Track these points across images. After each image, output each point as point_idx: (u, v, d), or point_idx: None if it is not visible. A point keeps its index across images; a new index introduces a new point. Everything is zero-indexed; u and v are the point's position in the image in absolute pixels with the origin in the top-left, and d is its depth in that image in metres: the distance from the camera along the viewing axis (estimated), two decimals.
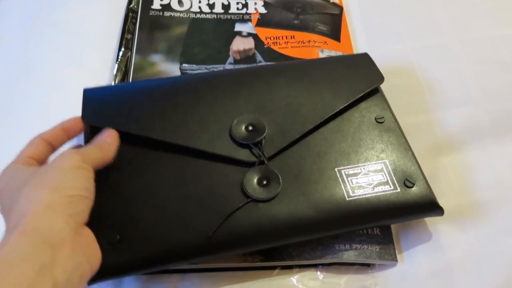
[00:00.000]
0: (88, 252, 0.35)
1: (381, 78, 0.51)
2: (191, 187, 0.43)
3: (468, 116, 0.55)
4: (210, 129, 0.45)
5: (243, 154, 0.44)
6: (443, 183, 0.50)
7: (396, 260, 0.45)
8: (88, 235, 0.36)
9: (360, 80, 0.51)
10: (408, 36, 0.63)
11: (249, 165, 0.44)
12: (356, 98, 0.49)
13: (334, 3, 0.67)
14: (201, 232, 0.40)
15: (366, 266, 0.46)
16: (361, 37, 0.64)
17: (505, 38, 0.61)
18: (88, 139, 0.45)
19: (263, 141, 0.45)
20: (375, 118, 0.49)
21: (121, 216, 0.41)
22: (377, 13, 0.66)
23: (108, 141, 0.42)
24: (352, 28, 0.65)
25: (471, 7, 0.65)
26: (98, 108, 0.46)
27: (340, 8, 0.66)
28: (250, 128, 0.46)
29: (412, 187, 0.44)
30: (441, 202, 0.45)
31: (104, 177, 0.43)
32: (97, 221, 0.40)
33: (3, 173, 0.39)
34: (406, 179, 0.44)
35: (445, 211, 0.44)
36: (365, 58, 0.53)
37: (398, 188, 0.44)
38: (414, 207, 0.44)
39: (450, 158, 0.52)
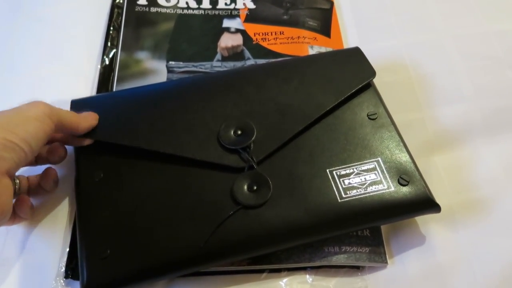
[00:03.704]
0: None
1: (372, 73, 0.50)
2: (181, 196, 0.42)
3: (461, 114, 0.54)
4: (197, 135, 0.45)
5: (232, 160, 0.43)
6: (435, 182, 0.49)
7: (386, 262, 0.44)
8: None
9: (351, 76, 0.50)
10: (399, 32, 0.62)
11: (238, 170, 0.43)
12: (347, 95, 0.48)
13: None
14: (192, 242, 0.40)
15: (355, 269, 0.45)
16: (352, 32, 0.62)
17: (498, 33, 0.60)
18: (77, 151, 0.46)
19: (252, 145, 0.44)
20: (367, 115, 0.48)
21: (111, 231, 0.41)
22: (368, 7, 0.65)
23: (85, 114, 0.44)
24: (342, 23, 0.63)
25: (464, 2, 0.64)
26: None
27: (331, 3, 0.65)
28: (239, 132, 0.45)
29: (407, 184, 0.43)
30: None
31: (92, 191, 0.43)
32: (87, 236, 0.40)
33: None
34: (400, 177, 0.43)
35: None
36: (356, 52, 0.52)
37: (392, 186, 0.43)
38: (409, 205, 0.43)
39: (442, 157, 0.51)
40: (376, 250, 0.45)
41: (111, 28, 0.60)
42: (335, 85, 0.49)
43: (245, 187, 0.42)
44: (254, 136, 0.44)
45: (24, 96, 0.54)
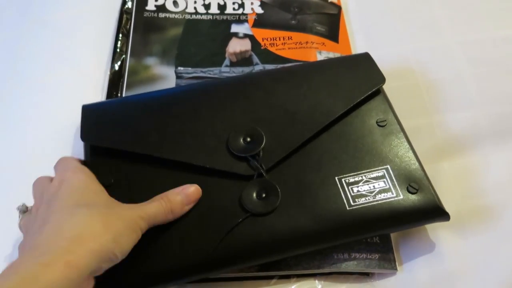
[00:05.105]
0: None
1: (382, 80, 0.50)
2: None
3: (469, 119, 0.54)
4: (207, 143, 0.45)
5: (241, 167, 0.43)
6: (444, 189, 0.49)
7: (396, 269, 0.45)
8: (91, 284, 0.35)
9: (360, 82, 0.49)
10: (407, 37, 0.62)
11: (247, 178, 0.43)
12: (356, 102, 0.48)
13: (332, 3, 0.66)
14: (201, 249, 0.40)
15: (365, 275, 0.45)
16: (359, 38, 0.62)
17: (506, 40, 0.60)
18: (88, 157, 0.46)
19: (261, 153, 0.44)
20: (377, 122, 0.48)
21: None
22: (376, 13, 0.65)
23: (185, 208, 0.41)
24: (350, 29, 0.63)
25: (471, 8, 0.64)
26: (97, 127, 0.47)
27: (339, 8, 0.65)
28: (248, 139, 0.45)
29: (416, 192, 0.43)
30: None
31: None
32: None
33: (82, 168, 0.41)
34: (410, 185, 0.43)
35: None
36: (365, 58, 0.52)
37: (401, 194, 0.43)
38: (418, 214, 0.43)
39: (451, 163, 0.51)
40: (385, 257, 0.45)
41: (120, 34, 0.61)
42: (344, 92, 0.49)
43: (254, 194, 0.42)
44: (263, 144, 0.44)
45: (33, 102, 0.56)
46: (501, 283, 0.44)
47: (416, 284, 0.44)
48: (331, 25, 0.63)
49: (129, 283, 0.39)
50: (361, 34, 0.63)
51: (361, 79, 0.50)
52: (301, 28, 0.63)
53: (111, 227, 0.35)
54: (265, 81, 0.50)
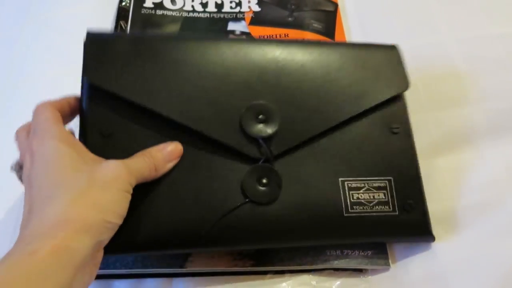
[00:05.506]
0: (92, 271, 0.35)
1: (406, 85, 0.47)
2: (189, 175, 0.40)
3: (464, 116, 0.54)
4: (220, 112, 0.41)
5: (250, 148, 0.41)
6: (438, 185, 0.49)
7: (389, 265, 0.45)
8: (99, 258, 0.35)
9: (385, 83, 0.46)
10: (403, 34, 0.61)
11: (253, 161, 0.41)
12: (376, 103, 0.45)
13: (329, 0, 0.66)
14: (193, 224, 0.39)
15: (358, 271, 0.45)
16: (356, 34, 0.62)
17: (502, 36, 0.60)
18: (85, 95, 0.41)
19: (273, 138, 0.42)
20: (391, 128, 0.46)
21: None
22: (372, 10, 0.65)
23: (167, 166, 0.40)
24: (347, 26, 0.63)
25: (467, 5, 0.64)
26: (103, 63, 0.41)
27: (335, 5, 0.65)
28: (261, 117, 0.42)
29: (410, 211, 0.43)
30: (436, 204, 0.45)
31: (97, 146, 0.39)
32: None
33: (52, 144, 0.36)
34: (407, 203, 0.43)
35: (440, 213, 0.45)
36: (394, 54, 0.49)
37: (397, 210, 0.43)
38: (408, 232, 0.44)
39: (446, 159, 0.51)
40: (378, 253, 0.45)
41: (118, 29, 0.61)
42: (367, 90, 0.45)
43: (256, 180, 0.41)
44: (277, 128, 0.42)
45: (33, 97, 0.55)
46: (495, 278, 0.44)
47: (410, 279, 0.44)
48: (328, 22, 0.63)
49: (116, 249, 0.37)
50: (357, 31, 0.63)
51: (386, 79, 0.47)
52: (297, 25, 0.63)
53: (95, 202, 0.33)
54: (295, 57, 0.45)
